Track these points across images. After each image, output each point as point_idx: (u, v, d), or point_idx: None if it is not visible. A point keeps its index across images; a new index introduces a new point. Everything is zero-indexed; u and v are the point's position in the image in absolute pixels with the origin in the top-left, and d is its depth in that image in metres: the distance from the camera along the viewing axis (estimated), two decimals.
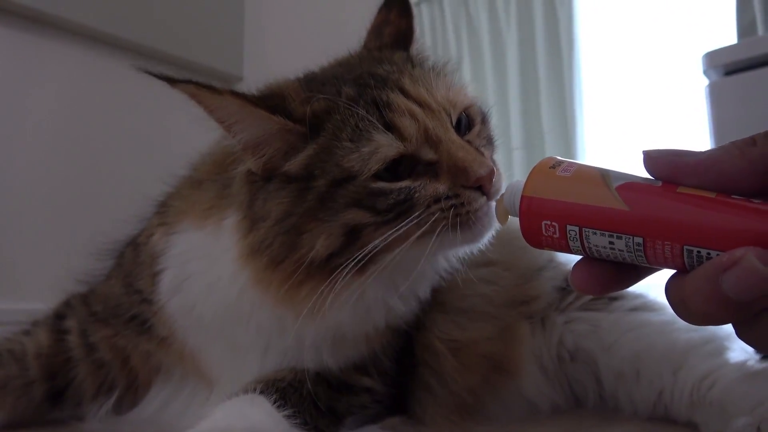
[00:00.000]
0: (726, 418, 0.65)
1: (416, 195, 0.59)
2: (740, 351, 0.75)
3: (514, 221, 0.49)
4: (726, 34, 2.03)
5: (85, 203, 1.49)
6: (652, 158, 0.39)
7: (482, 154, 0.64)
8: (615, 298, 0.85)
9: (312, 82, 0.67)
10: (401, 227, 0.58)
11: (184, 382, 0.77)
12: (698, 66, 1.52)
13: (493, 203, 0.60)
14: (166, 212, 0.78)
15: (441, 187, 0.60)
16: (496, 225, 0.63)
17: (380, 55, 0.72)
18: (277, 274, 0.63)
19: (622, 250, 0.39)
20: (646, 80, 2.24)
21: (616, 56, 2.37)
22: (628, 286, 0.43)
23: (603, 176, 0.42)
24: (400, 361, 0.77)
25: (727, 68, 1.47)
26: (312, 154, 0.62)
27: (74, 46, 1.50)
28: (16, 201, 1.39)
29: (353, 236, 0.60)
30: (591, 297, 0.84)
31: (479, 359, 0.78)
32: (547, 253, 0.85)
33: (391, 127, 0.60)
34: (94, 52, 1.54)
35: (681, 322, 0.81)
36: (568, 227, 0.42)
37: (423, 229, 0.59)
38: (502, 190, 0.59)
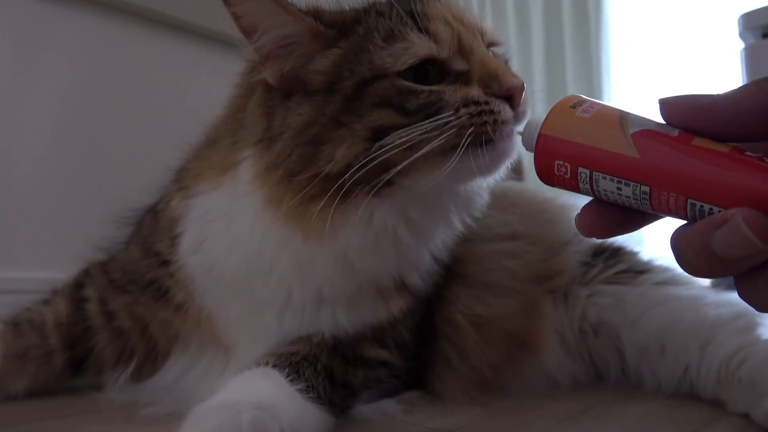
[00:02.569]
0: (756, 396, 0.63)
1: (446, 98, 0.58)
2: None
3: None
4: None
5: (104, 169, 1.49)
6: (668, 104, 0.38)
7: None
8: (642, 272, 0.83)
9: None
10: (427, 127, 0.56)
11: (201, 351, 0.77)
12: (734, 28, 1.45)
13: (519, 127, 0.59)
14: (183, 177, 0.77)
15: (472, 92, 0.59)
16: (516, 153, 0.61)
17: None
18: (290, 187, 0.61)
19: (629, 197, 0.40)
20: (680, 43, 2.16)
21: (648, 18, 2.28)
22: (633, 230, 0.43)
23: (621, 120, 0.41)
24: (420, 334, 0.76)
25: (764, 30, 1.40)
26: (341, 53, 0.62)
27: (86, 12, 1.48)
28: (33, 168, 1.39)
29: (376, 141, 0.58)
30: (616, 270, 0.82)
31: (502, 335, 0.76)
32: (572, 227, 0.83)
33: (426, 32, 0.61)
34: (106, 19, 1.52)
35: (710, 297, 0.80)
36: (580, 169, 0.42)
37: (448, 134, 0.56)
38: (527, 116, 0.61)
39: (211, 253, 0.70)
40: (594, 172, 0.42)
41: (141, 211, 0.85)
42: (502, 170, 0.63)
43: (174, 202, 0.75)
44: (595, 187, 0.42)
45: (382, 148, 0.57)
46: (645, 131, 0.40)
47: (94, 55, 1.49)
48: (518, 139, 0.60)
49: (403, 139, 0.57)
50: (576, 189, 0.43)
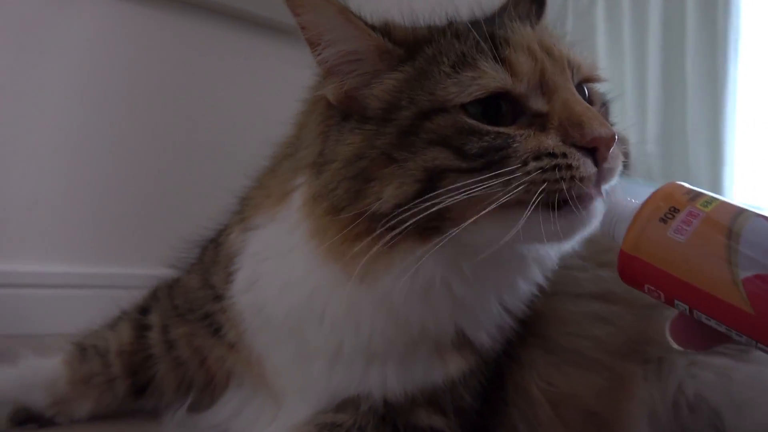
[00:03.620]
0: None
1: (515, 145, 0.50)
2: None
3: None
4: None
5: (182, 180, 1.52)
6: None
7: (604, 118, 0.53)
8: None
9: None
10: (489, 180, 0.49)
11: (255, 392, 0.74)
12: None
13: (604, 188, 0.50)
14: (245, 207, 0.74)
15: (547, 141, 0.50)
16: (595, 223, 0.51)
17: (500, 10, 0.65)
18: (334, 222, 0.56)
19: (740, 339, 0.33)
20: None
21: None
22: (732, 342, 0.37)
23: (729, 251, 0.32)
24: (486, 399, 0.68)
25: None
26: (403, 78, 0.56)
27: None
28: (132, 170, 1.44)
29: (430, 184, 0.51)
30: None
31: (582, 415, 0.67)
32: None
33: (503, 61, 0.53)
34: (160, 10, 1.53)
35: None
36: (677, 302, 0.36)
37: (513, 191, 0.49)
38: (616, 176, 0.52)
39: (263, 294, 0.66)
40: (696, 311, 0.35)
41: (209, 234, 0.83)
42: (576, 240, 0.54)
43: (233, 236, 0.72)
44: (696, 316, 0.35)
45: (437, 194, 0.50)
46: (759, 278, 0.31)
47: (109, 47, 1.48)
48: (600, 208, 0.51)
49: (462, 190, 0.49)
50: (671, 306, 0.37)
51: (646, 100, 2.36)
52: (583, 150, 0.50)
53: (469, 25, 0.57)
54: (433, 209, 0.50)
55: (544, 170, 0.49)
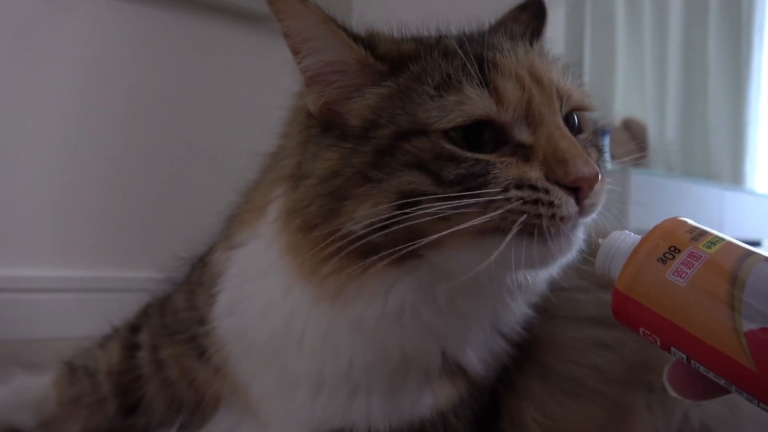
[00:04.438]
0: None
1: (494, 171, 0.49)
2: None
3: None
4: None
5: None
6: None
7: (589, 154, 0.51)
8: None
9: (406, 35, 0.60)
10: (466, 202, 0.48)
11: (243, 417, 0.73)
12: None
13: (583, 221, 0.50)
14: (230, 224, 0.73)
15: (531, 172, 0.49)
16: (575, 250, 0.51)
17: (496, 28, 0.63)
18: (306, 240, 0.55)
19: (740, 395, 0.32)
20: None
21: None
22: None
23: (732, 299, 0.29)
24: (480, 427, 0.66)
25: None
26: (385, 94, 0.54)
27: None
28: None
29: (404, 206, 0.50)
30: None
31: None
32: None
33: (489, 87, 0.51)
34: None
35: None
36: (673, 349, 0.33)
37: (492, 215, 0.47)
38: (598, 210, 0.51)
39: (245, 317, 0.65)
40: (693, 361, 0.32)
41: (198, 251, 0.81)
42: (554, 267, 0.53)
43: (216, 255, 0.71)
44: (693, 366, 0.33)
45: (410, 217, 0.49)
46: (765, 331, 0.28)
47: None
48: (579, 237, 0.51)
49: (434, 209, 0.48)
50: (668, 352, 0.35)
51: (665, 87, 2.29)
52: (565, 188, 0.48)
53: (457, 45, 0.54)
54: (405, 224, 0.49)
55: (525, 201, 0.48)
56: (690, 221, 0.38)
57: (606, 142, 2.19)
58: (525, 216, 0.47)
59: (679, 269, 0.33)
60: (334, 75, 0.55)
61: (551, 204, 0.48)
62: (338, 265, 0.53)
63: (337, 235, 0.52)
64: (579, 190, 0.48)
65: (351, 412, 0.61)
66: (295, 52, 0.56)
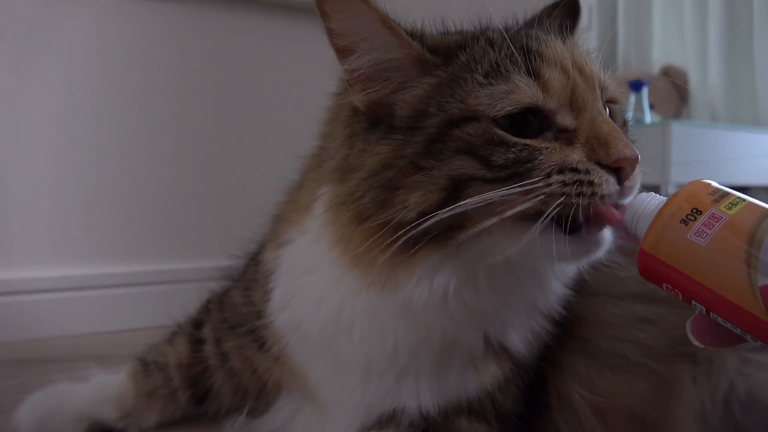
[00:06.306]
0: None
1: (540, 157, 0.52)
2: None
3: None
4: None
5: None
6: None
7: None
8: None
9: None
10: (512, 189, 0.50)
11: (304, 402, 0.78)
12: None
13: (624, 199, 0.52)
14: (277, 223, 0.76)
15: (573, 155, 0.52)
16: (605, 248, 0.54)
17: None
18: (358, 231, 0.57)
19: (755, 343, 0.34)
20: None
21: None
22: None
23: (749, 257, 0.32)
24: (528, 403, 0.69)
25: None
26: (434, 83, 0.56)
27: None
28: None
29: (454, 192, 0.53)
30: None
31: (627, 423, 0.66)
32: None
33: (536, 76, 0.54)
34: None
35: None
36: (694, 302, 0.36)
37: (533, 200, 0.50)
38: (634, 193, 0.52)
39: (298, 310, 0.69)
40: (712, 313, 0.35)
41: (253, 248, 0.86)
42: (584, 263, 0.56)
43: (267, 254, 0.75)
44: (712, 316, 0.36)
45: (460, 201, 0.51)
46: None
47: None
48: (609, 236, 0.53)
49: (485, 196, 0.50)
50: (688, 304, 0.38)
51: (706, 30, 2.19)
52: (606, 168, 0.51)
53: (505, 35, 0.56)
54: (453, 212, 0.51)
55: (564, 184, 0.50)
56: (714, 183, 0.40)
57: (644, 92, 2.14)
58: (564, 197, 0.50)
59: (700, 230, 0.35)
60: (389, 72, 0.57)
61: (591, 183, 0.50)
62: (390, 253, 0.55)
63: (390, 224, 0.54)
64: (621, 171, 0.51)
65: (401, 395, 0.64)
66: (344, 52, 0.57)
